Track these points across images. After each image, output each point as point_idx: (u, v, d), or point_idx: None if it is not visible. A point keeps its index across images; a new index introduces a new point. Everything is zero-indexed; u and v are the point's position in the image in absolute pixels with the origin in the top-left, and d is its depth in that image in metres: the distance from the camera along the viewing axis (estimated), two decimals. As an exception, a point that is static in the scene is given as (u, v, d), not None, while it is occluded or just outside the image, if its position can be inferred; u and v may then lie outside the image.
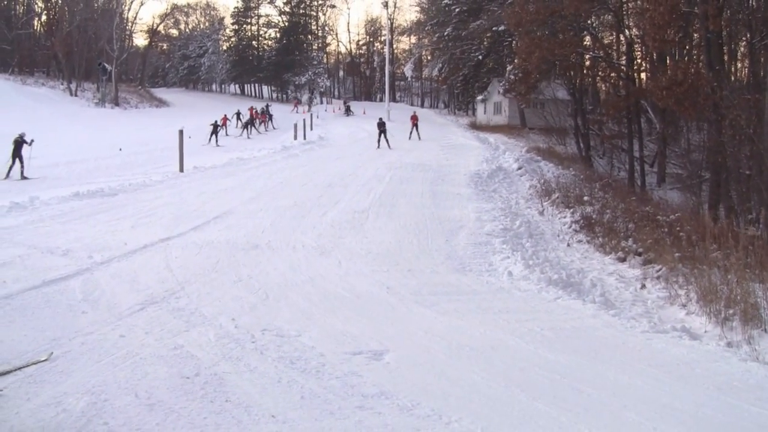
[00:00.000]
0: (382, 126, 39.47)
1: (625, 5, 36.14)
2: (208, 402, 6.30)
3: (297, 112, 73.23)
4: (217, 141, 41.05)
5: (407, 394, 6.68)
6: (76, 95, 74.36)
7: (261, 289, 10.65)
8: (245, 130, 49.17)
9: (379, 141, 38.49)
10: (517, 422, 6.20)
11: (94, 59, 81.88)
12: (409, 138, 43.92)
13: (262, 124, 55.76)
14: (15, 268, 10.97)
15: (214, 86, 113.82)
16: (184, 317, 8.96)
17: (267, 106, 63.81)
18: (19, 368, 6.65)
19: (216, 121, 43.31)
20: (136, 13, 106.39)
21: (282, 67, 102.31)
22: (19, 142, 24.74)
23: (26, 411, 5.87)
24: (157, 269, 11.51)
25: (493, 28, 63.92)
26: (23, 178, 24.27)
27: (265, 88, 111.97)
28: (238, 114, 54.08)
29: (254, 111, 57.14)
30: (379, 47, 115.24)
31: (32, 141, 25.32)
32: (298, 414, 6.17)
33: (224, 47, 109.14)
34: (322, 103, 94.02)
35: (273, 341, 8.13)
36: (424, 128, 48.22)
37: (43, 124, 45.96)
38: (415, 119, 46.15)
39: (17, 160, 24.63)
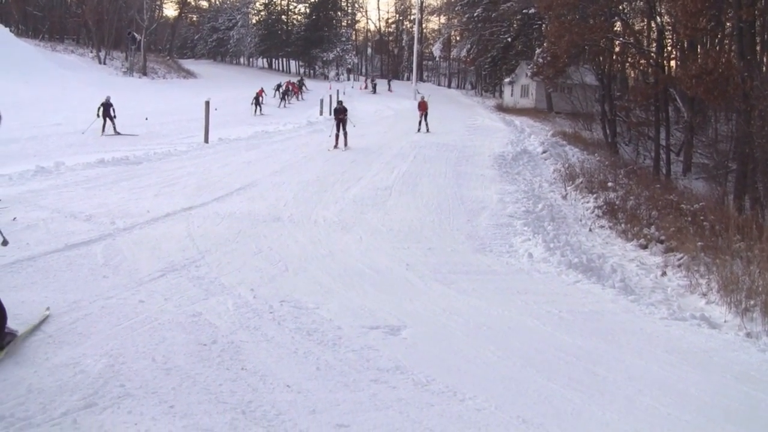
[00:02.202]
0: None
1: (657, -8, 35.81)
2: (224, 369, 6.33)
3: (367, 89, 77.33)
4: (261, 111, 44.93)
5: (423, 369, 6.69)
6: (104, 63, 74.46)
7: (281, 261, 10.67)
8: (282, 101, 54.14)
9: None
10: (531, 402, 6.20)
11: (123, 28, 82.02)
12: (418, 130, 35.07)
13: (296, 95, 61.35)
14: (38, 231, 11.04)
15: (242, 59, 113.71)
16: (203, 286, 9.00)
17: (301, 79, 73.37)
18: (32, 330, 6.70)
19: (263, 95, 47.77)
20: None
21: (310, 43, 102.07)
22: (106, 105, 28.67)
23: (44, 370, 5.92)
24: (178, 238, 11.56)
25: (523, 11, 63.72)
26: (116, 133, 28.38)
27: (292, 63, 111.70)
28: (278, 87, 57.53)
29: (291, 84, 62.57)
30: (408, 26, 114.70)
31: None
32: (313, 385, 6.19)
33: (253, 21, 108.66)
34: (348, 79, 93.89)
35: (291, 313, 8.16)
36: (450, 109, 48.11)
37: (72, 91, 46.13)
38: (423, 107, 36.20)
39: (107, 119, 28.62)
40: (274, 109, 49.41)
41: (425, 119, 35.66)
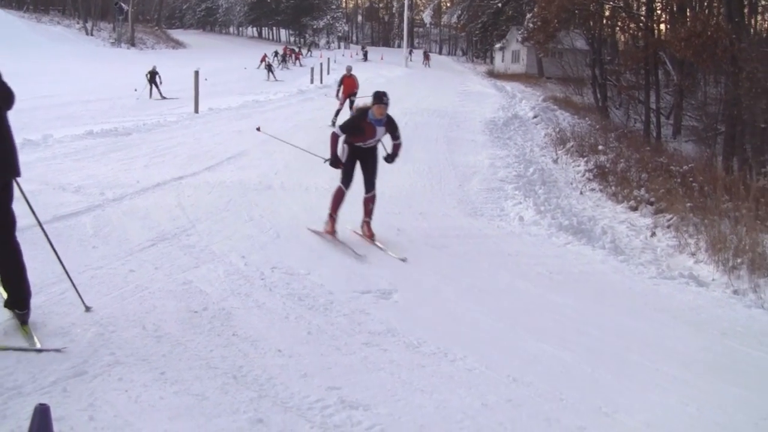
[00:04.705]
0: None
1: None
2: (215, 335, 6.35)
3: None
4: (275, 76, 48.05)
5: (414, 332, 6.73)
6: (91, 35, 74.19)
7: (272, 228, 10.66)
8: (282, 63, 59.79)
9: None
10: (521, 361, 6.25)
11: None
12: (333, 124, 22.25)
13: (297, 60, 66.35)
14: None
15: (231, 29, 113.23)
16: (194, 254, 9.00)
17: (299, 47, 79.83)
18: None
19: (270, 59, 52.80)
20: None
21: (300, 11, 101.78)
22: (153, 73, 33.06)
23: (33, 340, 5.92)
24: (168, 207, 11.53)
25: (514, -24, 63.38)
26: (162, 97, 32.28)
27: (282, 32, 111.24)
28: (276, 53, 61.56)
29: (288, 49, 68.72)
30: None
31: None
32: (305, 349, 6.22)
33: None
34: (339, 47, 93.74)
35: (282, 279, 8.17)
36: (442, 76, 47.94)
37: (58, 62, 45.92)
38: (350, 87, 24.00)
39: (153, 85, 33.03)
40: (282, 73, 51.75)
41: (351, 108, 20.16)
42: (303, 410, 5.08)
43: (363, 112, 10.02)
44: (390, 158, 10.65)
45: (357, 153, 10.25)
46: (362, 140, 10.10)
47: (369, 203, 10.45)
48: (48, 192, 11.87)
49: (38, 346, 5.75)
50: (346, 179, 10.27)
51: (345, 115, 20.79)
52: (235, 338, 6.32)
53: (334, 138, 10.04)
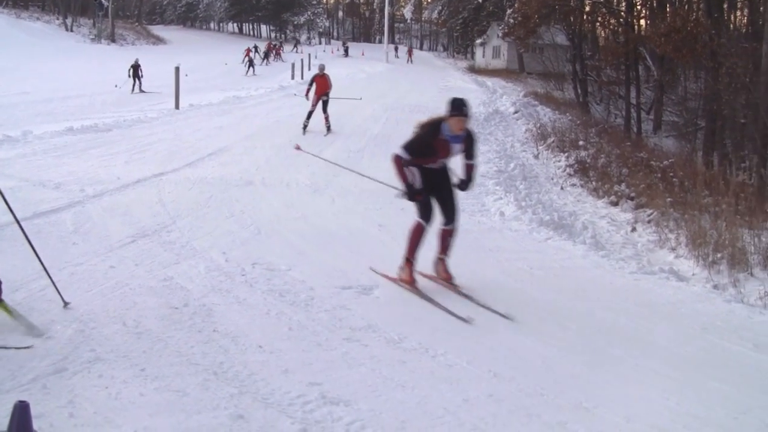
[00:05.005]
0: None
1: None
2: (195, 332, 6.34)
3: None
4: (254, 71, 48.64)
5: (395, 327, 6.73)
6: (71, 31, 73.80)
7: (253, 224, 10.66)
8: (264, 59, 60.52)
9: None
10: (502, 356, 6.26)
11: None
12: (304, 130, 21.19)
13: (278, 56, 65.88)
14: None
15: (212, 25, 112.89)
16: (174, 250, 8.98)
17: (281, 43, 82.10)
18: None
19: (250, 54, 52.60)
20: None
21: (281, 6, 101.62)
22: (135, 67, 33.36)
23: (13, 339, 5.89)
24: (149, 203, 11.51)
25: (494, -29, 63.47)
26: (141, 91, 32.88)
27: (263, 28, 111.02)
28: (256, 48, 60.93)
29: (271, 44, 70.07)
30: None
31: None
32: (286, 345, 6.22)
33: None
34: (320, 43, 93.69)
35: (263, 275, 8.17)
36: (423, 71, 47.89)
37: (38, 59, 45.67)
38: (323, 88, 21.66)
39: (136, 79, 33.41)
40: (260, 69, 52.18)
41: (325, 110, 21.61)
42: (284, 406, 5.07)
43: (435, 125, 7.92)
44: (464, 185, 8.34)
45: (429, 176, 8.12)
46: (433, 161, 8.06)
47: (447, 237, 8.36)
48: (28, 188, 11.83)
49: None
50: (426, 211, 8.16)
51: (318, 117, 21.07)
52: (216, 334, 6.31)
53: (399, 163, 7.90)
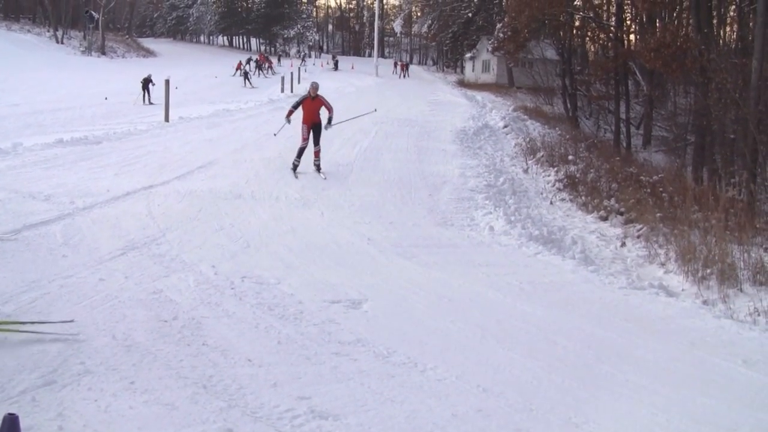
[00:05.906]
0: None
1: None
2: (185, 345, 6.33)
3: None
4: (251, 83, 48.34)
5: (384, 341, 6.74)
6: (62, 43, 73.69)
7: (242, 237, 10.66)
8: (258, 71, 59.59)
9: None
10: (491, 371, 6.27)
11: (81, 6, 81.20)
12: (295, 170, 16.55)
13: (270, 68, 64.82)
14: (-5, 211, 10.92)
15: (202, 38, 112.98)
16: (164, 263, 8.97)
17: (278, 56, 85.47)
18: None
19: (245, 68, 53.18)
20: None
21: (271, 20, 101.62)
22: (147, 80, 34.51)
23: (3, 350, 5.86)
24: (138, 216, 11.47)
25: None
26: (150, 103, 33.02)
27: (253, 41, 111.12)
28: (249, 60, 60.78)
29: (263, 57, 69.33)
30: (369, 2, 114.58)
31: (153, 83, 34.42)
32: (275, 359, 6.22)
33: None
34: (310, 56, 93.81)
35: (252, 288, 8.17)
36: (412, 85, 47.93)
37: (28, 71, 45.61)
38: (312, 111, 16.67)
39: (146, 92, 34.30)
40: (256, 80, 51.48)
41: (316, 143, 16.80)
42: (273, 420, 5.08)
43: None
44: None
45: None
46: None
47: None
48: (17, 200, 11.77)
49: None
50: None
51: (308, 155, 16.55)
52: (205, 348, 6.31)
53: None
